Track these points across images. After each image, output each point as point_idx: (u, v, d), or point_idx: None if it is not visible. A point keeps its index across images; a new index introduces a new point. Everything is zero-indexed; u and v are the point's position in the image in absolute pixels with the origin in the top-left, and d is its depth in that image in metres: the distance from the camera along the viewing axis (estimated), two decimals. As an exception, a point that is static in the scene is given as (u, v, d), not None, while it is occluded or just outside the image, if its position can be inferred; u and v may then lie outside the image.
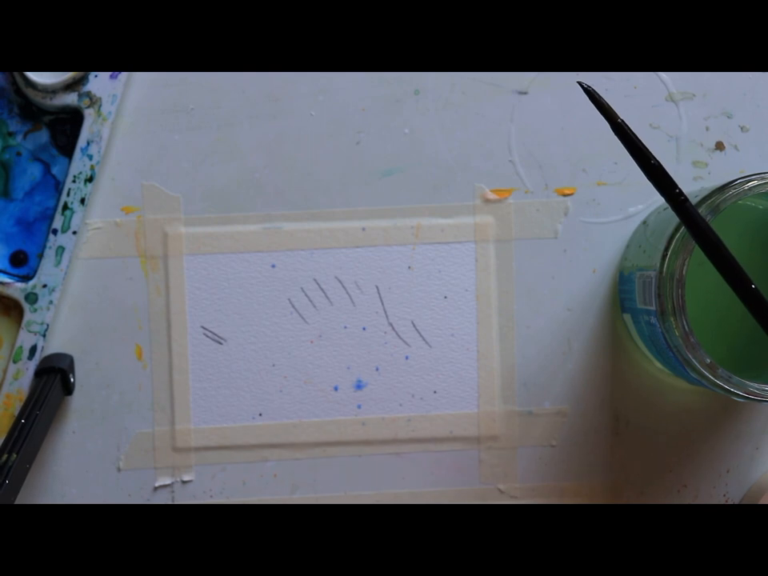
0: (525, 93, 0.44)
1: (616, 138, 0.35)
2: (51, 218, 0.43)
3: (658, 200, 0.42)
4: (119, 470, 0.44)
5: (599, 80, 0.44)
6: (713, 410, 0.44)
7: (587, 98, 0.35)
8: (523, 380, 0.44)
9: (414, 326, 0.44)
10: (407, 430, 0.44)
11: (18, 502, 0.36)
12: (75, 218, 0.42)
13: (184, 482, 0.44)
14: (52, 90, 0.42)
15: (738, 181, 0.37)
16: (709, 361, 0.37)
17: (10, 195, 0.43)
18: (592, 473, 0.44)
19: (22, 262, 0.43)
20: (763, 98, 0.44)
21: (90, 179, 0.42)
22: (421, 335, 0.44)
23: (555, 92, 0.44)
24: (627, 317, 0.43)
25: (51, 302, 0.42)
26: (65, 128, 0.43)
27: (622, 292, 0.43)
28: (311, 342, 0.44)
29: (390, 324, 0.44)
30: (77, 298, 0.43)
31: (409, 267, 0.44)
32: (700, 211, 0.36)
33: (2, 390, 0.42)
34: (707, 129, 0.44)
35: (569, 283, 0.44)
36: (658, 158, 0.34)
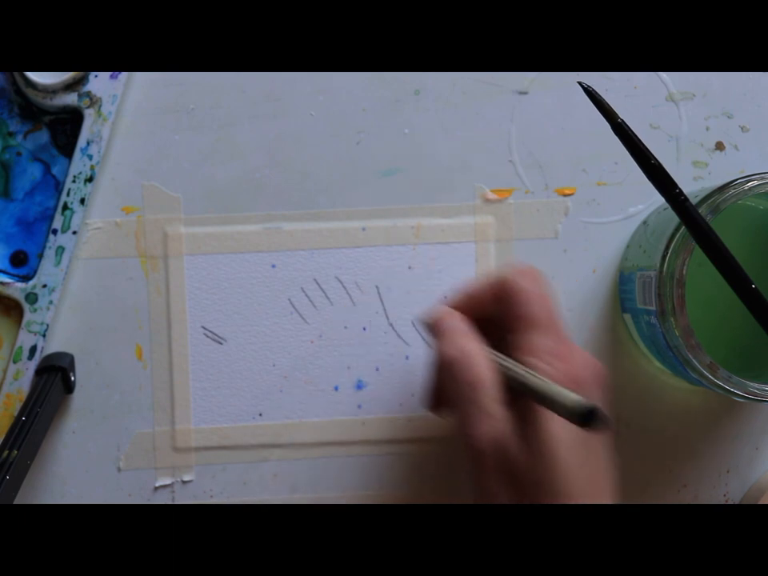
0: (525, 93, 0.44)
1: (616, 137, 0.35)
2: (51, 218, 0.43)
3: (658, 200, 0.42)
4: (119, 470, 0.44)
5: (599, 80, 0.44)
6: (713, 410, 0.44)
7: (587, 98, 0.35)
8: (523, 380, 0.44)
9: (414, 326, 0.44)
10: (407, 429, 0.44)
11: (18, 501, 0.36)
12: (75, 218, 0.42)
13: (184, 482, 0.44)
14: (52, 90, 0.42)
15: (738, 181, 0.37)
16: (709, 361, 0.37)
17: (10, 195, 0.43)
18: (592, 473, 0.44)
19: (22, 262, 0.43)
20: (763, 97, 0.44)
21: (89, 179, 0.42)
22: (421, 335, 0.44)
23: (555, 92, 0.44)
24: (627, 317, 0.43)
25: (51, 302, 0.42)
26: (65, 128, 0.43)
27: (622, 292, 0.43)
28: (311, 342, 0.44)
29: (390, 324, 0.44)
30: (77, 298, 0.43)
31: (409, 267, 0.44)
32: (700, 211, 0.36)
33: (2, 390, 0.42)
34: (707, 129, 0.44)
35: (569, 283, 0.44)
36: (658, 158, 0.34)
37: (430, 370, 0.41)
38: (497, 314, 0.39)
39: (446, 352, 0.37)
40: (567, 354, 0.36)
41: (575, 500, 0.34)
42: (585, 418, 0.31)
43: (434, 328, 0.38)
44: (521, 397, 0.36)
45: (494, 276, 0.39)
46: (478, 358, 0.36)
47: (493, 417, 0.35)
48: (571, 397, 0.32)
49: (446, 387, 0.38)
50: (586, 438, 0.35)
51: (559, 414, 0.33)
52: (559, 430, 0.35)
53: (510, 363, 0.36)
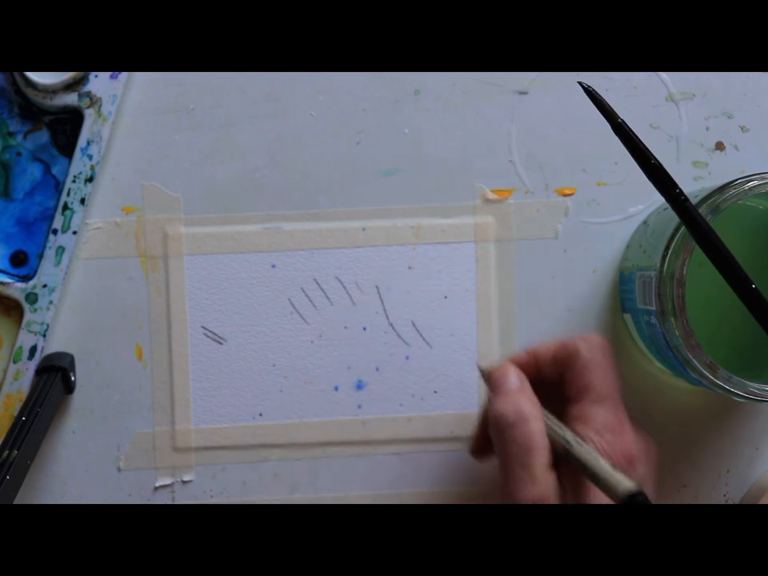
0: (525, 93, 0.44)
1: (616, 137, 0.35)
2: (51, 218, 0.43)
3: (658, 200, 0.42)
4: (119, 470, 0.44)
5: (599, 80, 0.44)
6: (713, 410, 0.44)
7: (587, 98, 0.35)
8: (523, 380, 0.44)
9: (414, 325, 0.44)
10: (407, 430, 0.44)
11: (18, 501, 0.36)
12: (75, 218, 0.42)
13: (184, 482, 0.44)
14: (52, 90, 0.42)
15: (738, 181, 0.37)
16: (709, 361, 0.37)
17: (10, 195, 0.43)
18: (592, 473, 0.44)
19: (22, 262, 0.43)
20: (763, 97, 0.44)
21: (90, 179, 0.42)
22: (421, 335, 0.44)
23: (555, 92, 0.44)
24: (627, 317, 0.43)
25: (51, 302, 0.42)
26: (65, 128, 0.43)
27: (622, 292, 0.43)
28: (311, 342, 0.44)
29: (391, 324, 0.44)
30: (77, 298, 0.43)
31: (409, 267, 0.44)
32: (700, 211, 0.36)
33: (2, 390, 0.42)
34: (707, 129, 0.44)
35: (569, 283, 0.44)
36: (658, 158, 0.34)
37: (480, 418, 0.41)
38: (556, 378, 0.39)
39: (501, 410, 0.37)
40: (621, 429, 0.37)
41: None
42: (627, 500, 0.33)
43: (492, 381, 0.39)
44: (566, 462, 0.36)
45: (559, 340, 0.39)
46: (534, 421, 0.36)
47: (541, 483, 0.36)
48: (617, 478, 0.34)
49: (495, 441, 0.38)
50: None
51: (603, 491, 0.34)
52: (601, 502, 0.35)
53: (562, 430, 0.37)
